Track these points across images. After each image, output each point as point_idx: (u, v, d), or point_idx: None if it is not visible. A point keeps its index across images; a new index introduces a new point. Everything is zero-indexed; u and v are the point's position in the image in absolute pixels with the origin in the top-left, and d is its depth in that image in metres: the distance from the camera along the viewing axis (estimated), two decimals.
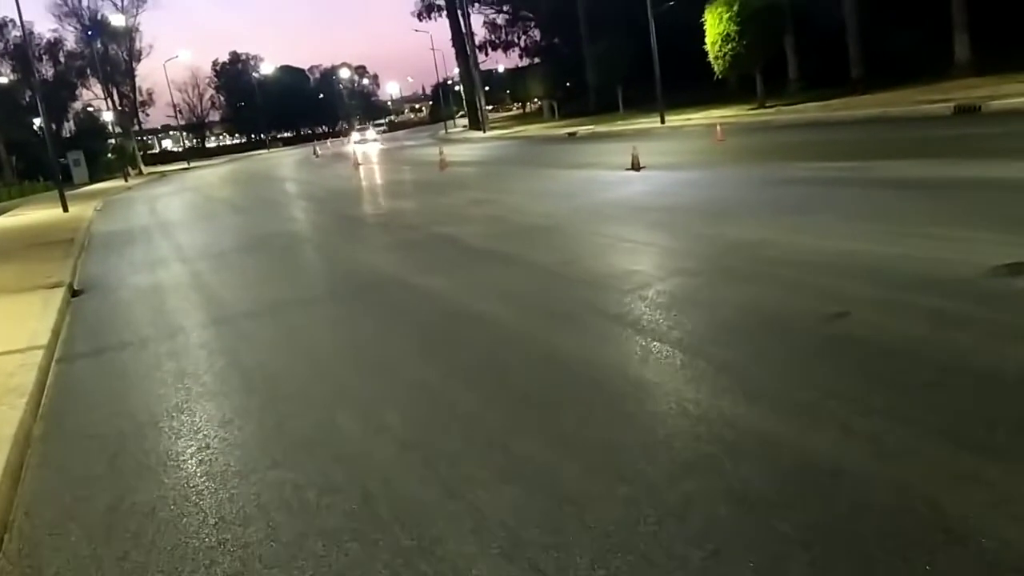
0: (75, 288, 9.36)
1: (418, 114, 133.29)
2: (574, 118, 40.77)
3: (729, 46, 24.50)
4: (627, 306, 5.31)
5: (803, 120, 19.38)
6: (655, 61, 25.29)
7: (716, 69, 25.86)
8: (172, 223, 16.56)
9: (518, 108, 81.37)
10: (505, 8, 59.45)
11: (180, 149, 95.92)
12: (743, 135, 18.11)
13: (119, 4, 64.98)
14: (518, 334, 5.13)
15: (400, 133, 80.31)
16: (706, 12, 25.38)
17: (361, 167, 27.10)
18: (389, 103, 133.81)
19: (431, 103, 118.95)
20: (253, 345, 5.84)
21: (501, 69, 77.33)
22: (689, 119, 25.41)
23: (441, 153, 21.60)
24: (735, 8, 24.11)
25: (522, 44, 61.27)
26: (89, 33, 59.81)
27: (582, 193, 11.69)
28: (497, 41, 61.73)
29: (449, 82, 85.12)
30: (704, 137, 19.13)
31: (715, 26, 24.94)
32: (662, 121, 25.55)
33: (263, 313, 6.83)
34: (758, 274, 5.72)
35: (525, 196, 12.63)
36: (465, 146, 33.66)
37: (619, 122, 30.27)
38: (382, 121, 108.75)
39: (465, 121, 64.05)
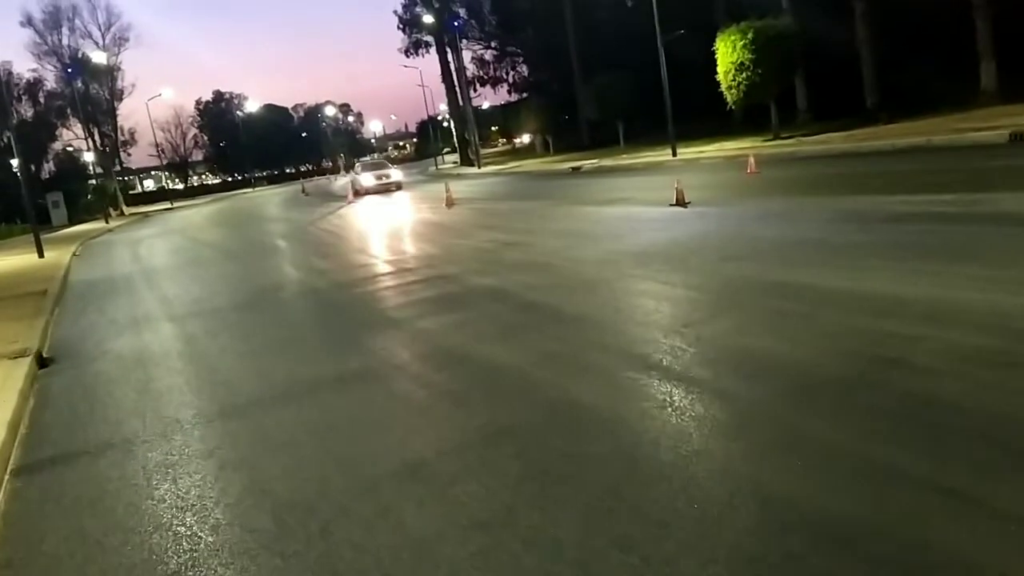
0: (44, 356, 7.82)
1: (402, 151, 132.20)
2: (569, 153, 39.62)
3: (743, 75, 23.43)
4: (844, 410, 3.81)
5: (834, 151, 18.16)
6: (666, 92, 24.15)
7: (728, 99, 24.78)
8: (157, 271, 14.96)
9: (504, 144, 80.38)
10: (493, 44, 58.67)
11: (163, 188, 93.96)
12: (775, 167, 16.81)
13: (100, 43, 63.55)
14: (679, 452, 3.61)
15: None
16: (718, 41, 24.35)
17: (356, 205, 25.64)
18: (373, 140, 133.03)
19: (415, 140, 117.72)
20: (280, 456, 4.27)
21: (485, 105, 76.44)
22: (702, 152, 24.20)
23: (447, 189, 20.17)
24: (750, 36, 23.09)
25: (510, 80, 60.45)
26: (69, 72, 58.15)
27: (630, 234, 10.24)
28: (485, 77, 60.81)
29: (439, 117, 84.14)
30: (730, 170, 17.86)
31: (727, 55, 23.89)
32: (674, 154, 24.32)
33: (284, 400, 5.28)
34: (1008, 358, 4.06)
35: (561, 237, 11.15)
36: (464, 182, 32.27)
37: (624, 156, 29.04)
38: (368, 159, 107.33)
39: (453, 157, 62.80)
